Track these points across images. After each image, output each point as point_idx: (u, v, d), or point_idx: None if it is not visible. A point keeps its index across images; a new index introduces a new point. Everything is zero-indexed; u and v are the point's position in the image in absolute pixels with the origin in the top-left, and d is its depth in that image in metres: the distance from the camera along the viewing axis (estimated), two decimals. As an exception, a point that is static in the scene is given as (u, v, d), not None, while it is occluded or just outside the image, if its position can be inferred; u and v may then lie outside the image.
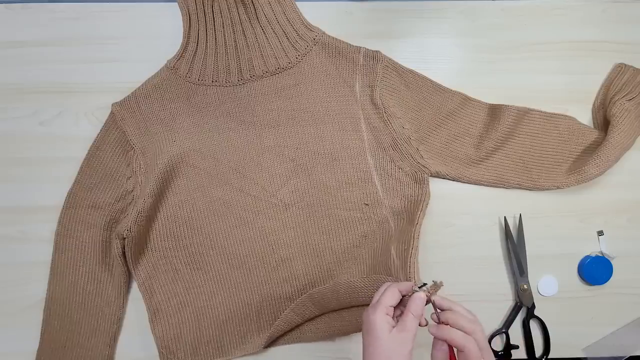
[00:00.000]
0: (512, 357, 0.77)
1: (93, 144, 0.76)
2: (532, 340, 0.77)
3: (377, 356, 0.53)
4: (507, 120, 0.78)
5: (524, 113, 0.78)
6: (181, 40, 0.76)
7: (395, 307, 0.58)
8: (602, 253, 0.79)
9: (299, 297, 0.76)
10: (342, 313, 0.75)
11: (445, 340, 0.55)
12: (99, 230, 0.75)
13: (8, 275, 0.76)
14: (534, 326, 0.77)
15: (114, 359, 0.76)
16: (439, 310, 0.58)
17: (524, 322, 0.77)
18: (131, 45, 0.80)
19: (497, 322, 0.78)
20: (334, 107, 0.77)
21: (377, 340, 0.54)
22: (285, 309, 0.75)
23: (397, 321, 0.56)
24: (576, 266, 0.79)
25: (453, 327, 0.55)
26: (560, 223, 0.79)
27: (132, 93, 0.77)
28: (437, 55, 0.81)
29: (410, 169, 0.76)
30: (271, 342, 0.76)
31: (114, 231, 0.75)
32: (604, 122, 0.78)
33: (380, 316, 0.55)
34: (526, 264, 0.77)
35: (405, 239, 0.75)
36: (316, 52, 0.77)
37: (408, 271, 0.72)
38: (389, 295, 0.57)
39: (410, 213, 0.76)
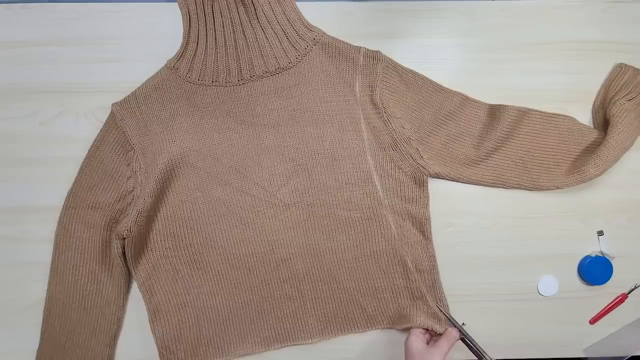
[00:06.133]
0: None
1: (93, 144, 0.76)
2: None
3: None
4: (507, 121, 0.78)
5: (524, 113, 0.78)
6: (181, 40, 0.76)
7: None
8: (602, 253, 0.79)
9: (299, 297, 0.76)
10: (343, 313, 0.76)
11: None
12: (99, 230, 0.75)
13: (8, 275, 0.77)
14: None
15: (113, 359, 0.76)
16: None
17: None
18: (131, 45, 0.80)
19: (496, 322, 0.78)
20: (334, 107, 0.77)
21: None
22: (286, 309, 0.75)
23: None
24: (576, 266, 0.79)
25: None
26: (560, 223, 0.79)
27: (132, 93, 0.77)
28: (437, 55, 0.81)
29: (410, 170, 0.76)
30: (271, 342, 0.76)
31: (114, 231, 0.75)
32: (603, 122, 0.78)
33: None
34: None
35: (425, 255, 0.76)
36: (316, 52, 0.77)
37: (437, 295, 0.76)
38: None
39: (418, 221, 0.76)
